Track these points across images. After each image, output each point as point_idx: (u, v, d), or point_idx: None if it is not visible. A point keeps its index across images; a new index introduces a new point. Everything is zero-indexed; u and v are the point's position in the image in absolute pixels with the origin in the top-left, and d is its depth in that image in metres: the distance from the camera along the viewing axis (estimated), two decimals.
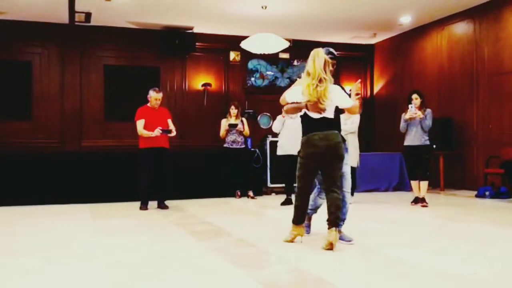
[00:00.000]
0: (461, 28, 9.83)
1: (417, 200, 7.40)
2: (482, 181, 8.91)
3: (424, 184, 7.35)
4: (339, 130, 4.45)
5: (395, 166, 9.67)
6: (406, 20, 10.30)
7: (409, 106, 7.27)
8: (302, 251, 4.20)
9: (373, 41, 12.18)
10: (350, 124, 7.73)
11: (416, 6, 9.42)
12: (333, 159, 4.31)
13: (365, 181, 8.11)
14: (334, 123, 4.38)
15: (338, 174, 4.36)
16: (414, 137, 7.30)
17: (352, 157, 7.78)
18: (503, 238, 4.92)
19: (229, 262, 3.84)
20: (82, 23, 9.70)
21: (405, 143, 7.43)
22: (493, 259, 3.95)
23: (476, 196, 8.41)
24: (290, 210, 6.74)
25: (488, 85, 9.23)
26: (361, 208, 7.33)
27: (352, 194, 7.87)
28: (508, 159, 8.23)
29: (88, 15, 9.39)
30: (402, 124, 7.40)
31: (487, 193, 8.25)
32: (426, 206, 7.19)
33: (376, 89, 12.42)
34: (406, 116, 7.29)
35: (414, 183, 7.49)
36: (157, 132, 7.04)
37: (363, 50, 12.43)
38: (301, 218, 4.53)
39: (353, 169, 7.82)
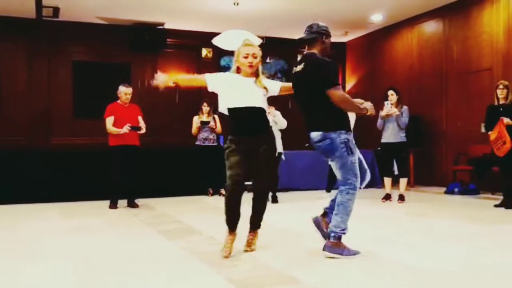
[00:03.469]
0: (431, 27, 9.96)
1: (388, 197, 7.48)
2: (451, 178, 9.05)
3: (403, 181, 7.44)
4: None
5: (366, 164, 9.71)
6: (378, 19, 10.39)
7: (385, 103, 7.27)
8: (274, 249, 4.18)
9: (345, 39, 12.25)
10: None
11: (387, 4, 9.51)
12: None
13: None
14: None
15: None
16: (391, 134, 7.32)
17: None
18: (472, 233, 5.00)
19: (200, 260, 3.80)
20: (50, 18, 9.49)
21: (382, 140, 7.46)
22: (463, 254, 4.01)
23: (445, 192, 8.53)
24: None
25: (457, 83, 9.37)
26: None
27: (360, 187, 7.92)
28: (476, 156, 8.38)
29: (56, 10, 9.19)
30: (379, 122, 7.40)
31: (456, 189, 8.38)
32: (402, 203, 7.25)
33: (348, 87, 12.49)
34: (382, 113, 7.29)
35: (387, 180, 7.56)
36: (126, 129, 6.91)
37: (334, 48, 12.31)
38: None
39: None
